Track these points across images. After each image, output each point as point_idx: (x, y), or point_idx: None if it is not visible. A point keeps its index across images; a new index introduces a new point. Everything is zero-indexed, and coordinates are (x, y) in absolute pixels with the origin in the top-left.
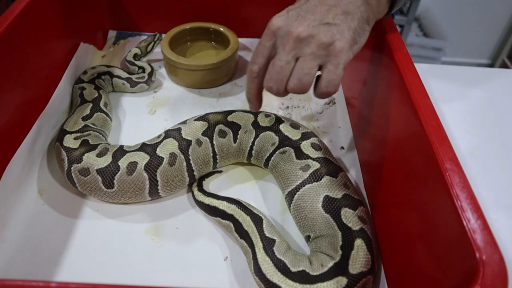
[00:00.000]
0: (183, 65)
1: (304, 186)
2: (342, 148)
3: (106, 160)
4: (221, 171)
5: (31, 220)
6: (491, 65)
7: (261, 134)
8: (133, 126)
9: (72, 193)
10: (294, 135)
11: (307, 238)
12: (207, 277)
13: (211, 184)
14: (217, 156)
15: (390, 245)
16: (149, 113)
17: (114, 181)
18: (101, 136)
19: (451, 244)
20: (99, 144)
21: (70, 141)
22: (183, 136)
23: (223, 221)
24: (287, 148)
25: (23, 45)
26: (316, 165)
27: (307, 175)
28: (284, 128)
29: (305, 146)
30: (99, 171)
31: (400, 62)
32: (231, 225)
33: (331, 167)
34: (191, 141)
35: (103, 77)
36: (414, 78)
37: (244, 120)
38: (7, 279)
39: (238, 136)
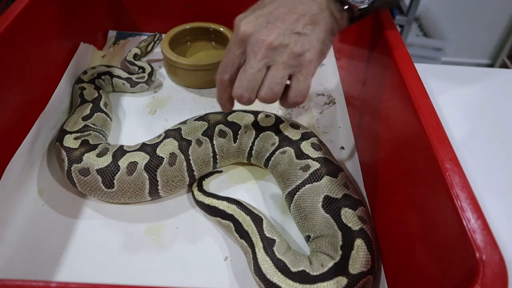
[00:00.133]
0: (183, 65)
1: (304, 186)
2: (342, 148)
3: (106, 160)
4: (221, 171)
5: (31, 220)
6: (491, 65)
7: (261, 134)
8: (133, 126)
9: (72, 193)
10: (294, 135)
11: (307, 238)
12: (207, 277)
13: (211, 184)
14: (217, 156)
15: (390, 245)
16: (149, 113)
17: (114, 181)
18: (101, 136)
19: (451, 244)
20: (99, 144)
21: (70, 141)
22: (183, 136)
23: (223, 221)
24: (287, 148)
25: (23, 45)
26: (316, 165)
27: (307, 175)
28: (284, 128)
29: (305, 146)
30: (99, 171)
31: (400, 62)
32: (231, 225)
33: (331, 167)
34: (191, 141)
35: (103, 77)
36: (414, 78)
37: (244, 120)
38: (7, 279)
39: (238, 136)
